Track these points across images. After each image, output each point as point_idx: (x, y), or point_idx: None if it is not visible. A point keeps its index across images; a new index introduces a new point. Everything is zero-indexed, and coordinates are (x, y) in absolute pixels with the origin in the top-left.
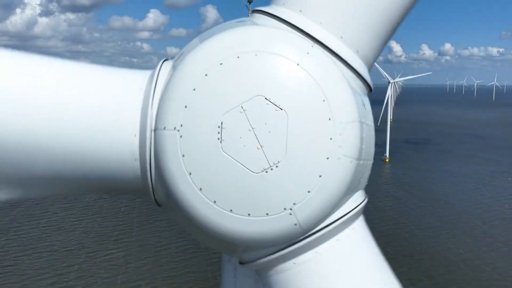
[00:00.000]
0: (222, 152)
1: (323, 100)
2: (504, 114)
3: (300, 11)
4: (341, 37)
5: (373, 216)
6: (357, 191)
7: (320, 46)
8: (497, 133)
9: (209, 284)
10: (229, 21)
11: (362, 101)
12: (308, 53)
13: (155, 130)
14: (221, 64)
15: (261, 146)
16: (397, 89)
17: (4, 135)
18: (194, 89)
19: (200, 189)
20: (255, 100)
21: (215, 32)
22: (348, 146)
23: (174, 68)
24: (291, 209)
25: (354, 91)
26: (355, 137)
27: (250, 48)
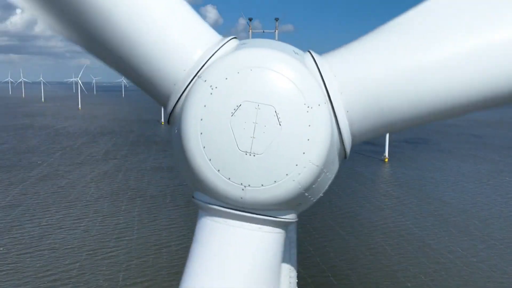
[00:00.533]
0: (230, 137)
1: (308, 116)
2: (504, 115)
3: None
4: (347, 112)
5: (372, 214)
6: (302, 205)
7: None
8: (496, 133)
9: None
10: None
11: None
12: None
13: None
14: (211, 94)
15: (253, 138)
16: None
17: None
18: (216, 87)
19: (210, 159)
20: (261, 106)
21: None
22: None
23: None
24: (294, 169)
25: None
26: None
27: (264, 65)
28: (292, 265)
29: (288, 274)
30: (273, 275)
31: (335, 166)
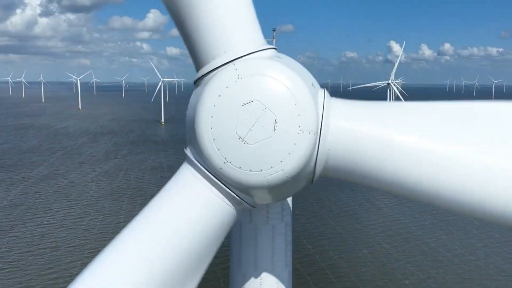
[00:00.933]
0: (234, 120)
1: (298, 115)
2: None
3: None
4: (328, 150)
5: (371, 213)
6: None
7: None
8: None
9: (211, 276)
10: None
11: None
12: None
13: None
14: (235, 81)
15: (250, 130)
16: (396, 90)
17: None
18: (227, 86)
19: (219, 149)
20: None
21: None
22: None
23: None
24: (268, 170)
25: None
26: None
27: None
28: (287, 245)
29: (285, 258)
30: (210, 246)
31: (300, 185)
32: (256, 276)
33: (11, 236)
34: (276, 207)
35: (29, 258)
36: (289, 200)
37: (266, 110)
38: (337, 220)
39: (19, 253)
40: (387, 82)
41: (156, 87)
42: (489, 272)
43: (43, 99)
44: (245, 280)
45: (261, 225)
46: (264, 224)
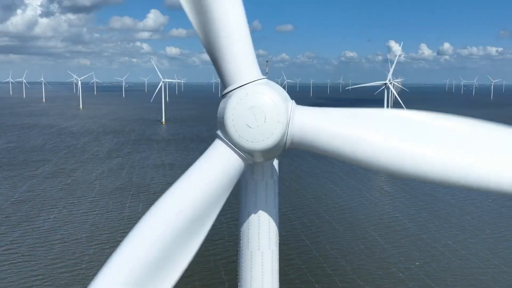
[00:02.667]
0: (245, 122)
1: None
2: (498, 113)
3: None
4: (292, 134)
5: (367, 210)
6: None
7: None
8: None
9: (210, 266)
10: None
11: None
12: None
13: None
14: (245, 96)
15: (253, 121)
16: (393, 90)
17: None
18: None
19: (236, 131)
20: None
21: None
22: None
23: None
24: (262, 141)
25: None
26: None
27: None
28: (275, 195)
29: (274, 202)
30: (228, 185)
31: (278, 151)
32: (255, 213)
33: (21, 231)
34: (267, 170)
35: (39, 251)
36: (276, 166)
37: (260, 111)
38: (333, 216)
39: (29, 247)
40: (384, 82)
41: (156, 87)
42: (481, 266)
43: (44, 100)
44: (249, 216)
45: (259, 181)
46: (260, 180)
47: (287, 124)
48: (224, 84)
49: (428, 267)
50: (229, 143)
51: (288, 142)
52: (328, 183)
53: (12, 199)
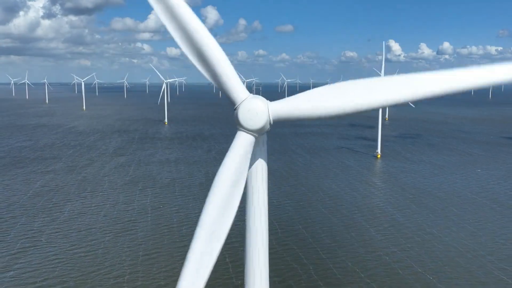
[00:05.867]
0: (248, 117)
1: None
2: (494, 112)
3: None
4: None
5: (358, 201)
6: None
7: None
8: (480, 130)
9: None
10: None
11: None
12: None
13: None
14: (245, 105)
15: (252, 115)
16: None
17: None
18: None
19: (245, 122)
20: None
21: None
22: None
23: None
24: (258, 126)
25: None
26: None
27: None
28: (265, 157)
29: (265, 157)
30: (248, 153)
31: (267, 127)
32: (255, 163)
33: (40, 221)
34: (263, 139)
35: (58, 238)
36: (265, 138)
37: (253, 110)
38: (328, 207)
39: (49, 234)
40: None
41: (157, 88)
42: (461, 251)
43: (47, 101)
44: (252, 166)
45: (257, 146)
46: (257, 146)
47: (268, 112)
48: (232, 101)
49: (413, 251)
50: (244, 129)
51: (271, 120)
52: (322, 177)
53: (29, 194)
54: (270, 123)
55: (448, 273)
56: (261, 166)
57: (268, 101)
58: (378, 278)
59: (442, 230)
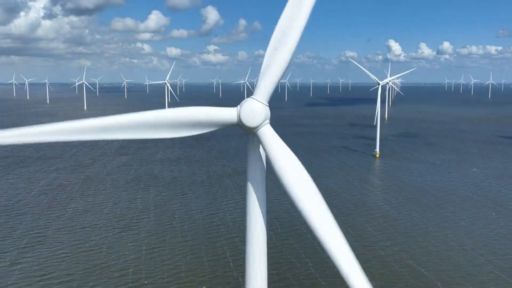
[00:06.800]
0: (251, 113)
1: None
2: (493, 112)
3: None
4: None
5: (356, 198)
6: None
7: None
8: (477, 129)
9: (218, 252)
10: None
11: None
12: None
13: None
14: (251, 103)
15: (255, 117)
16: (395, 89)
17: None
18: None
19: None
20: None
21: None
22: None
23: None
24: (258, 124)
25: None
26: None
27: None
28: (263, 157)
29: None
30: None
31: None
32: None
33: (45, 218)
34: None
35: (64, 235)
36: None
37: (256, 111)
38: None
39: (55, 230)
40: (379, 83)
41: (157, 88)
42: (454, 246)
43: (48, 101)
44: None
45: (258, 146)
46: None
47: (265, 114)
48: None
49: (408, 247)
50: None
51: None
52: (321, 176)
53: (34, 192)
54: (267, 120)
55: (440, 267)
56: (260, 164)
57: (267, 105)
58: (373, 271)
59: (436, 226)
